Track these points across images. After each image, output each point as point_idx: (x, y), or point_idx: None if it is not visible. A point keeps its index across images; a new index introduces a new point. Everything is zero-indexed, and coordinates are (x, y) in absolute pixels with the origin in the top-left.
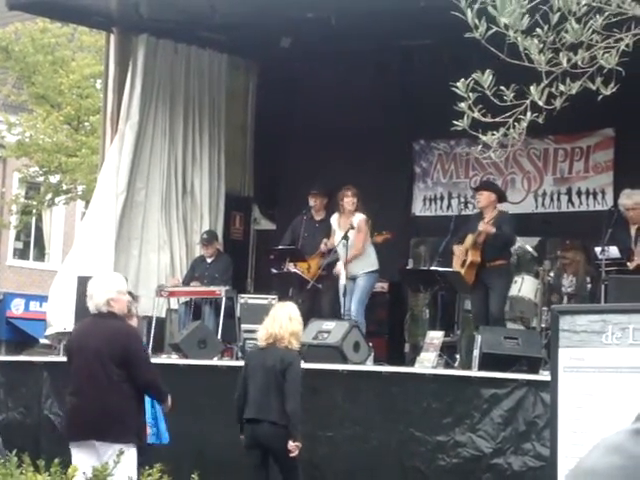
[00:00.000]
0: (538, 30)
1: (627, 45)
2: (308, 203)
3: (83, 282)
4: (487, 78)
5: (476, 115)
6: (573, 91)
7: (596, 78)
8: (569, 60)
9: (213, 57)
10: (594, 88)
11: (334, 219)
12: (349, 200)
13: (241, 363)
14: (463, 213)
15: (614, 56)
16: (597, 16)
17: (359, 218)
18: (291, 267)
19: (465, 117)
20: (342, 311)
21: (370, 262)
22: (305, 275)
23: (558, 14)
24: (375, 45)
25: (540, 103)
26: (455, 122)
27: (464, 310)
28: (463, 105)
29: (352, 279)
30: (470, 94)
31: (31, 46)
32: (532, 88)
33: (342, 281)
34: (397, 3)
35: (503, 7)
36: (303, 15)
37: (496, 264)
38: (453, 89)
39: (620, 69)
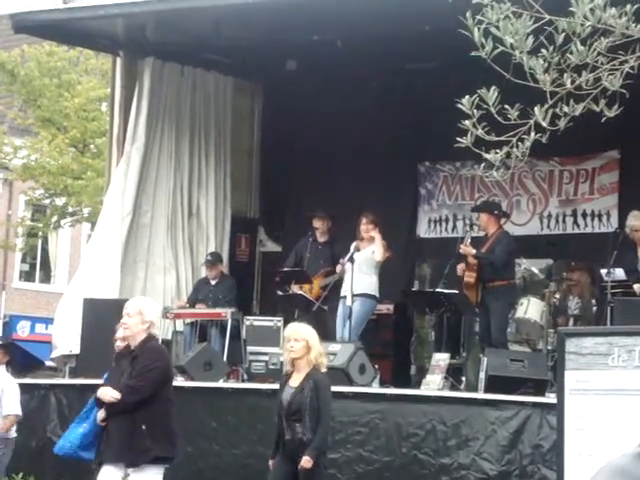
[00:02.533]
0: (543, 51)
1: (632, 67)
2: (313, 225)
3: (89, 304)
4: (492, 95)
5: (480, 133)
6: (577, 112)
7: (600, 100)
8: (573, 81)
9: (219, 80)
10: (598, 110)
11: (353, 244)
12: (364, 227)
13: (246, 385)
14: (472, 236)
15: (618, 78)
16: (602, 38)
17: (372, 249)
18: (296, 289)
19: (469, 134)
20: (339, 334)
21: (373, 285)
22: (310, 297)
23: (563, 35)
24: (380, 68)
25: (544, 124)
26: (459, 139)
27: (470, 332)
28: (467, 122)
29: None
30: (475, 111)
31: (37, 70)
32: (536, 109)
33: (348, 302)
34: (402, 27)
35: (506, 27)
36: (309, 38)
37: (494, 285)
38: (458, 106)
39: (624, 91)
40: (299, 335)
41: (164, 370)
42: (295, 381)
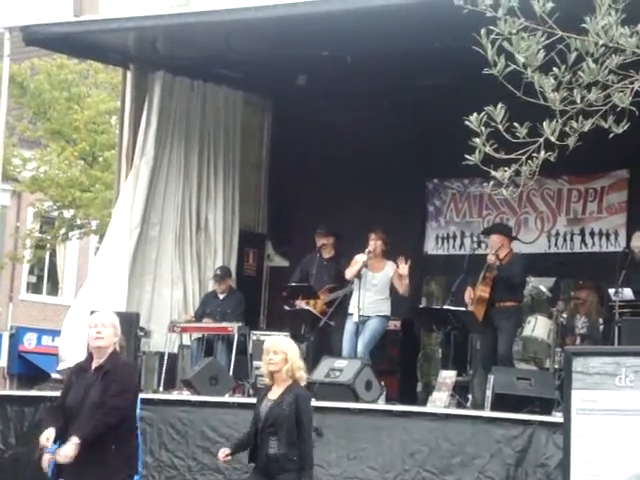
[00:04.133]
0: (555, 70)
1: None
2: (317, 242)
3: None
4: (499, 112)
5: (488, 150)
6: (585, 128)
7: (609, 116)
8: (583, 98)
9: (229, 94)
10: (606, 126)
11: (360, 257)
12: (372, 243)
13: (252, 400)
14: (476, 252)
15: (628, 95)
16: (613, 56)
17: (392, 267)
18: (303, 304)
19: (477, 152)
20: (347, 352)
21: (387, 306)
22: (317, 312)
23: (575, 54)
24: (390, 84)
25: (552, 139)
26: (467, 157)
27: (477, 350)
28: (476, 140)
29: (362, 321)
30: (483, 129)
31: (47, 82)
32: (545, 124)
33: (354, 319)
34: (412, 43)
35: (519, 43)
36: (319, 53)
37: (506, 305)
38: (466, 123)
39: (634, 108)
40: (278, 348)
41: (137, 388)
42: (274, 394)
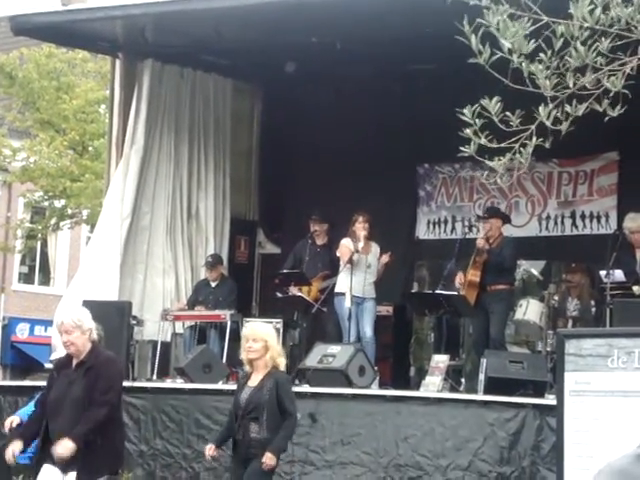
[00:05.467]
0: (542, 55)
1: (632, 68)
2: (310, 228)
3: (88, 306)
4: (494, 104)
5: (482, 141)
6: (579, 113)
7: (603, 100)
8: (575, 83)
9: (218, 82)
10: (601, 110)
11: (348, 242)
12: (360, 226)
13: None
14: (468, 237)
15: (620, 79)
16: (603, 39)
17: (377, 247)
18: (295, 291)
19: (472, 143)
20: (347, 335)
21: (376, 288)
22: (309, 298)
23: (562, 40)
24: (379, 69)
25: (548, 124)
26: (462, 148)
27: (469, 334)
28: (469, 131)
29: (358, 302)
30: (476, 120)
31: (35, 72)
32: (540, 109)
33: (347, 304)
34: (401, 29)
35: (505, 29)
36: (308, 40)
37: (497, 288)
38: (460, 116)
39: (626, 92)
40: (258, 335)
41: (122, 381)
42: (254, 381)
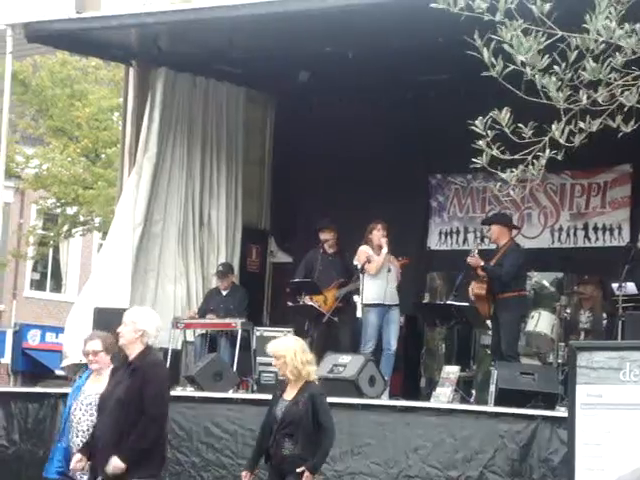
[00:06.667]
0: (556, 67)
1: None
2: (321, 237)
3: (99, 313)
4: (505, 116)
5: (495, 153)
6: (593, 128)
7: (616, 116)
8: (588, 97)
9: (231, 90)
10: (615, 126)
11: (367, 249)
12: (379, 234)
13: (256, 396)
14: (480, 247)
15: (634, 94)
16: (617, 54)
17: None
18: (307, 300)
19: (484, 155)
20: (371, 345)
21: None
22: (322, 308)
23: (576, 52)
24: (392, 79)
25: (561, 141)
26: (474, 160)
27: (480, 345)
28: (481, 143)
29: (383, 312)
30: (488, 132)
31: (49, 79)
32: (554, 126)
33: (359, 314)
34: (415, 39)
35: (519, 45)
36: (321, 50)
37: (504, 296)
38: (472, 127)
39: None
40: (277, 352)
41: (169, 387)
42: (289, 395)
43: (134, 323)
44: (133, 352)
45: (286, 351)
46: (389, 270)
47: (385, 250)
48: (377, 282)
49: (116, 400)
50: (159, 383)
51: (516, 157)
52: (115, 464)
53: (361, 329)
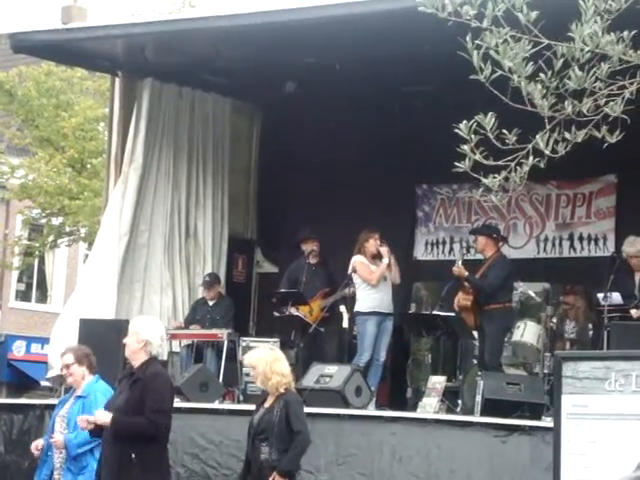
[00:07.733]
0: (541, 75)
1: (630, 93)
2: (303, 249)
3: (85, 324)
4: (489, 120)
5: (478, 157)
6: (579, 139)
7: (602, 126)
8: (574, 107)
9: (217, 101)
10: (600, 136)
11: (362, 259)
12: (376, 243)
13: (242, 406)
14: (466, 258)
15: (619, 104)
16: (602, 64)
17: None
18: (293, 310)
19: (467, 159)
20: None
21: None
22: (307, 318)
23: (562, 60)
24: (378, 90)
25: (546, 151)
26: (457, 164)
27: (466, 355)
28: (465, 147)
29: (380, 321)
30: (472, 136)
31: (35, 90)
32: (538, 136)
33: (345, 324)
34: (400, 49)
35: (505, 51)
36: (307, 60)
37: (490, 308)
38: (456, 131)
39: (626, 117)
40: (250, 364)
41: (172, 399)
42: (268, 403)
43: (137, 334)
44: (137, 362)
45: (258, 361)
46: (385, 279)
47: (386, 260)
48: (375, 290)
49: (115, 410)
50: (159, 395)
51: (499, 163)
52: (102, 415)
53: (347, 339)
